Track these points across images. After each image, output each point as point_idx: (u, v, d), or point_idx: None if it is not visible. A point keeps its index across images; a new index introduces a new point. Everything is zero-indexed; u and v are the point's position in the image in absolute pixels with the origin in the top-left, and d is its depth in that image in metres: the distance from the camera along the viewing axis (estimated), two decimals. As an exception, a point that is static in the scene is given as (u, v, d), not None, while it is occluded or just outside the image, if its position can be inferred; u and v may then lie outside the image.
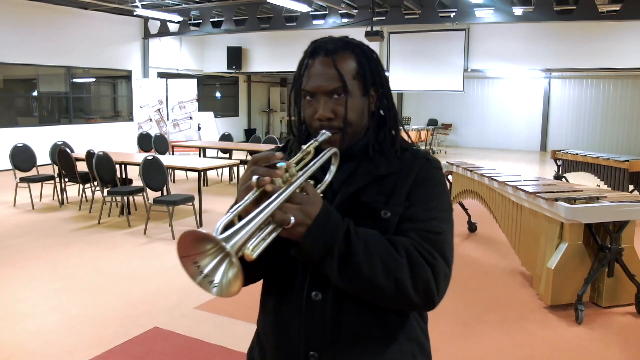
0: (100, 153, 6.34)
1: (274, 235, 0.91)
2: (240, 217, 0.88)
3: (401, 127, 1.20)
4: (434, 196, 1.11)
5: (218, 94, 17.65)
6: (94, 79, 13.22)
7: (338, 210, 1.04)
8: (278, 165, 0.95)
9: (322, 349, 1.09)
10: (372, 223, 1.06)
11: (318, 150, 1.07)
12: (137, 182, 6.33)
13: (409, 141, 1.21)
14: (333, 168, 1.10)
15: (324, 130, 1.09)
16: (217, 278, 0.82)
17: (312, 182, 1.02)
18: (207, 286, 0.83)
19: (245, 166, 1.03)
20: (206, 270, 0.83)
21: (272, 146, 8.72)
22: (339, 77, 1.08)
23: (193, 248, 0.82)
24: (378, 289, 1.00)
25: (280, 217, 0.91)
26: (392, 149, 1.15)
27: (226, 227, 0.84)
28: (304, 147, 1.05)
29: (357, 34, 11.24)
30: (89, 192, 7.32)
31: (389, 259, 0.99)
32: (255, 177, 0.92)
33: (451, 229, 1.11)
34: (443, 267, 1.04)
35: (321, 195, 1.03)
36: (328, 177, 1.09)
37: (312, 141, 1.07)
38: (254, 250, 0.85)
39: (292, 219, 0.93)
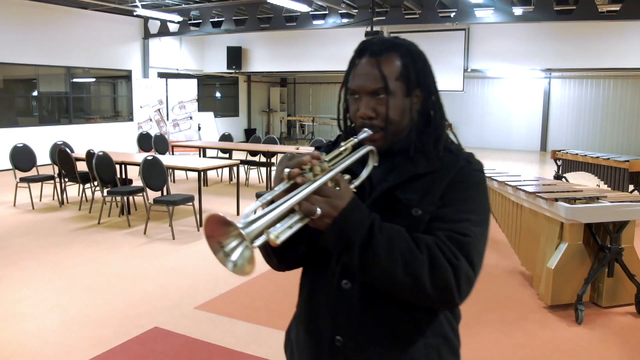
0: (100, 153, 6.34)
1: (300, 224, 0.96)
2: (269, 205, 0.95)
3: (448, 129, 1.21)
4: (469, 198, 1.11)
5: (218, 94, 17.64)
6: (94, 79, 13.21)
7: (373, 205, 1.09)
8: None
9: (347, 335, 1.14)
10: (403, 220, 1.08)
11: (358, 148, 1.12)
12: (137, 182, 6.33)
13: (456, 142, 1.23)
14: (370, 164, 1.14)
15: (365, 129, 1.13)
16: (234, 257, 0.90)
17: (348, 176, 1.08)
18: (225, 261, 0.90)
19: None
20: (227, 249, 0.90)
21: (272, 146, 8.76)
22: (381, 78, 1.11)
23: (218, 229, 0.89)
24: (396, 283, 1.02)
25: (307, 208, 0.96)
26: (434, 148, 1.16)
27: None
28: (342, 144, 1.11)
29: (357, 34, 11.25)
30: (89, 192, 7.31)
31: (409, 255, 1.01)
32: (287, 170, 0.98)
33: (483, 233, 1.10)
34: (466, 269, 1.03)
35: (354, 190, 1.07)
36: (364, 173, 1.13)
37: (352, 138, 1.12)
38: (278, 236, 0.90)
39: (319, 211, 0.97)
